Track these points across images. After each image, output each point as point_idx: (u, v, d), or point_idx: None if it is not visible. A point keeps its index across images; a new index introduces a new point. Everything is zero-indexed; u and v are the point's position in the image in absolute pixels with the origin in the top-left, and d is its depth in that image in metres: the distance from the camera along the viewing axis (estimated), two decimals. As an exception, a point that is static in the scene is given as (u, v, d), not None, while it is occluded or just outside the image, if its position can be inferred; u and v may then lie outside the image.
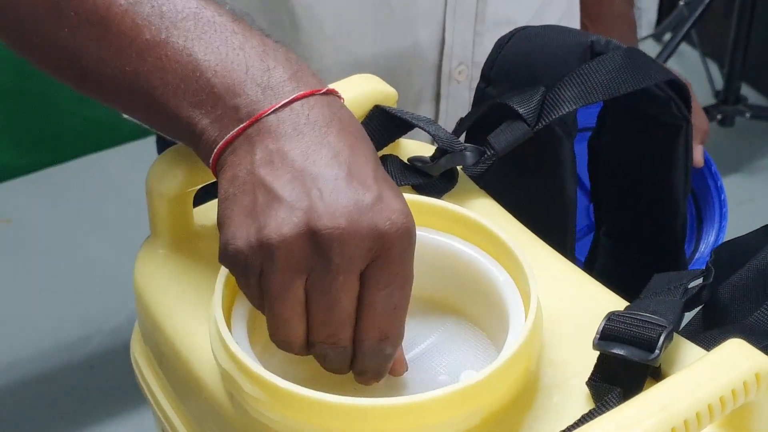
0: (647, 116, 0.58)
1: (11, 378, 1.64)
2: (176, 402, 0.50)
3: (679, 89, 0.56)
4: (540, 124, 0.53)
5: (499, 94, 0.57)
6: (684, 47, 2.02)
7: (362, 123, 0.54)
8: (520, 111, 0.53)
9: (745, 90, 1.97)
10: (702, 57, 1.96)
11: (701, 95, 1.97)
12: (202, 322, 0.47)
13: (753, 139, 2.01)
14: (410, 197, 0.50)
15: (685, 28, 1.85)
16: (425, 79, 0.76)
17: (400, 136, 0.55)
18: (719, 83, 1.95)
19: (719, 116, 1.92)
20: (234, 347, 0.43)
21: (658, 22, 2.26)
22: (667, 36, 2.00)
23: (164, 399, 0.50)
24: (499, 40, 0.58)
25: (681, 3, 1.91)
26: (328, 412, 0.41)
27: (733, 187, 1.93)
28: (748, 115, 1.92)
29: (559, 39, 0.57)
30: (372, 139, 0.54)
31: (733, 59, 1.88)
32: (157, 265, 0.51)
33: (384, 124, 0.54)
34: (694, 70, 1.96)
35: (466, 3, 0.74)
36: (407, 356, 0.48)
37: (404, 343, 0.48)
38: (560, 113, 0.53)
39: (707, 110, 1.93)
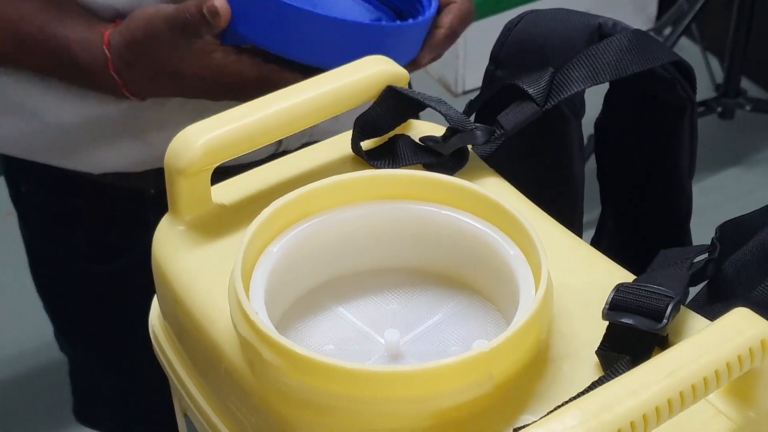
0: (653, 97, 0.59)
1: (14, 370, 1.66)
2: (196, 375, 0.51)
3: (685, 70, 0.58)
4: (549, 104, 0.55)
5: (508, 76, 0.58)
6: (684, 41, 2.03)
7: (374, 103, 0.56)
8: (530, 91, 0.54)
9: (745, 83, 1.98)
10: (702, 51, 1.97)
11: (702, 89, 1.99)
12: (221, 294, 0.48)
13: (753, 131, 2.03)
14: (422, 173, 0.51)
15: (686, 22, 1.87)
16: None
17: (411, 116, 0.56)
18: (719, 77, 1.96)
19: (719, 109, 1.94)
20: (254, 315, 0.44)
21: (659, 16, 2.28)
22: (668, 30, 2.01)
23: (184, 373, 0.52)
24: (507, 23, 0.60)
25: (681, -3, 1.93)
26: (344, 378, 0.42)
27: (733, 179, 1.95)
28: (748, 108, 1.93)
29: (567, 21, 0.58)
30: (384, 119, 0.55)
31: (733, 53, 1.89)
32: (176, 241, 0.52)
33: (396, 104, 0.55)
34: (695, 64, 1.96)
35: None
36: (419, 330, 0.49)
37: (416, 317, 0.50)
38: (568, 93, 0.54)
39: (707, 103, 1.95)
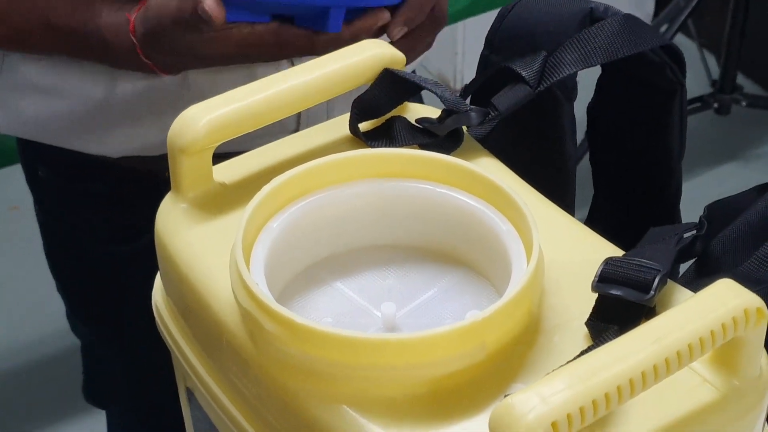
0: (643, 81, 0.61)
1: (19, 361, 1.67)
2: (198, 349, 0.52)
3: (674, 54, 0.59)
4: (541, 86, 0.56)
5: (502, 61, 0.60)
6: (680, 38, 2.05)
7: (371, 85, 0.57)
8: (523, 74, 0.56)
9: (741, 79, 2.00)
10: (698, 47, 1.98)
11: (698, 85, 2.01)
12: (223, 269, 0.49)
13: (748, 127, 2.05)
14: (417, 152, 0.53)
15: (682, 18, 1.88)
16: None
17: (407, 99, 0.58)
18: (715, 73, 1.98)
19: (716, 105, 1.95)
20: (254, 286, 0.45)
21: (656, 13, 2.29)
22: (664, 27, 2.03)
23: (187, 347, 0.53)
24: (501, 9, 0.61)
25: (678, -6, 1.94)
26: (342, 346, 0.44)
27: (729, 174, 1.96)
28: (744, 103, 1.95)
29: (560, 6, 0.60)
30: (381, 101, 0.57)
31: (729, 49, 1.91)
32: (179, 218, 0.53)
33: (392, 87, 0.56)
34: (691, 61, 1.98)
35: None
36: (414, 303, 0.51)
37: (412, 292, 0.51)
38: (561, 76, 0.56)
39: (704, 99, 1.97)
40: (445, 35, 0.84)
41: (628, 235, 0.61)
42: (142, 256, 0.87)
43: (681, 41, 2.08)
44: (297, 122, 0.82)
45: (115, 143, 0.82)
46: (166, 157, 0.81)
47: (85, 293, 0.95)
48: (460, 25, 2.07)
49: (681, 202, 0.65)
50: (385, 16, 0.72)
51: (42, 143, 0.85)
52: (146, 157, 0.83)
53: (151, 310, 0.90)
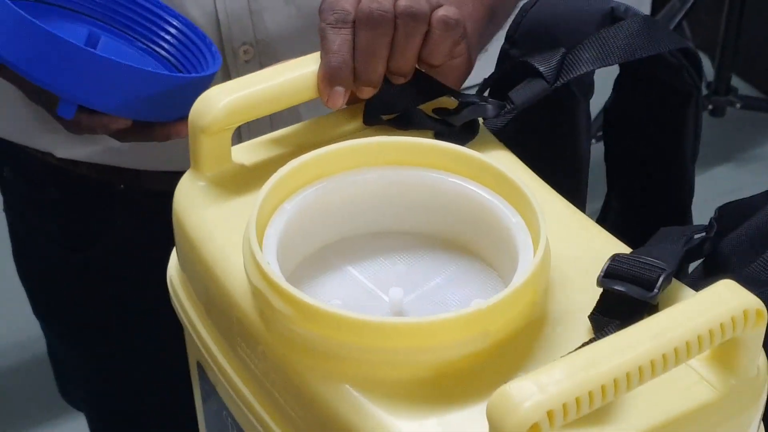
0: (660, 83, 0.61)
1: (14, 360, 1.67)
2: (210, 324, 0.54)
3: (692, 58, 0.60)
4: (558, 82, 0.57)
5: (521, 55, 0.60)
6: None
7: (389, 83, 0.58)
8: (540, 69, 0.57)
9: (736, 81, 1.99)
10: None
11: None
12: (236, 247, 0.50)
13: (743, 129, 2.03)
14: (431, 141, 0.54)
15: (677, 20, 1.87)
16: None
17: (426, 100, 0.58)
18: (710, 74, 1.97)
19: (710, 106, 1.95)
20: (265, 266, 0.47)
21: (652, 14, 2.28)
22: None
23: (199, 322, 0.54)
24: (524, 4, 0.62)
25: (674, -5, 1.93)
26: (350, 327, 0.45)
27: (723, 176, 1.95)
28: (738, 105, 1.94)
29: (581, 5, 0.60)
30: (400, 99, 0.57)
31: (724, 51, 1.90)
32: (196, 196, 0.54)
33: (412, 84, 0.57)
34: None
35: None
36: (422, 290, 0.52)
37: (420, 278, 0.52)
38: (578, 73, 0.57)
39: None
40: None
41: (639, 234, 0.62)
42: (96, 265, 0.88)
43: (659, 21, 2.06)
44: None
45: (73, 147, 0.81)
46: (124, 170, 0.80)
47: (45, 294, 0.95)
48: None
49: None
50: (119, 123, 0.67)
51: (8, 142, 0.84)
52: (104, 166, 0.82)
53: (112, 316, 0.91)
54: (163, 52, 0.73)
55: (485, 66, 0.65)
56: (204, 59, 0.72)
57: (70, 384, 1.02)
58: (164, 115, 0.66)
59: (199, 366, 0.57)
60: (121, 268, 0.86)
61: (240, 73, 0.76)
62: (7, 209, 0.94)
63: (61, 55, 0.63)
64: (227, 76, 0.77)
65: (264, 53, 0.76)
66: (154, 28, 0.73)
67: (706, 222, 0.69)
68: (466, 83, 0.61)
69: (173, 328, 0.58)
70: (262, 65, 0.76)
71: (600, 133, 0.68)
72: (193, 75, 0.70)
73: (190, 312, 0.55)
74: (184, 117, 0.56)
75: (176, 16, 0.73)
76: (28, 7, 0.70)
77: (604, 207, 0.68)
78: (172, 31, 0.73)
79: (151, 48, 0.74)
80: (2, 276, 1.15)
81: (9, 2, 0.63)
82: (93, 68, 0.63)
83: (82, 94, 0.64)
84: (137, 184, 0.68)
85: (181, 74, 0.71)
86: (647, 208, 0.66)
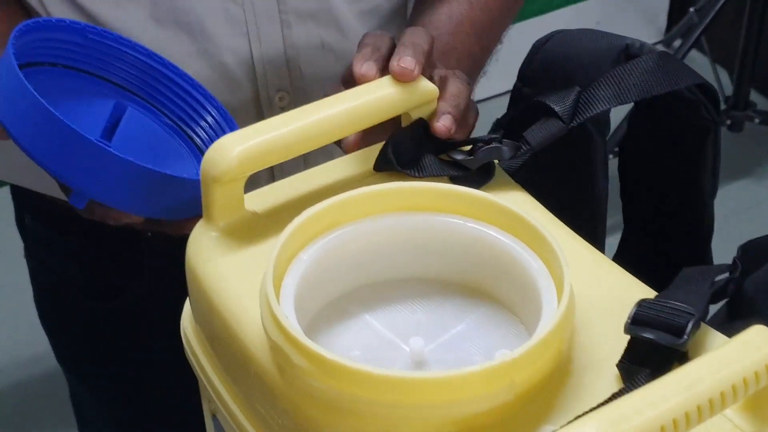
0: (677, 118, 0.60)
1: (20, 375, 1.66)
2: (226, 378, 0.52)
3: (709, 93, 0.59)
4: (574, 122, 0.56)
5: (535, 94, 0.59)
6: (694, 53, 2.04)
7: (405, 129, 0.57)
8: (556, 108, 0.56)
9: (754, 96, 1.99)
10: (711, 63, 1.97)
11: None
12: (252, 299, 0.49)
13: (762, 144, 2.03)
14: (448, 186, 0.53)
15: (696, 35, 1.87)
16: (245, 110, 0.75)
17: (438, 151, 0.57)
18: (728, 89, 1.97)
19: (728, 122, 1.94)
20: (284, 320, 0.45)
21: (668, 28, 2.29)
22: (677, 42, 2.01)
23: (214, 375, 0.53)
24: (536, 42, 0.61)
25: (691, 10, 1.93)
26: (371, 382, 0.44)
27: (741, 191, 1.94)
28: (757, 120, 1.94)
29: (595, 42, 0.59)
30: (410, 145, 0.56)
31: (742, 66, 1.90)
32: (210, 246, 0.53)
33: (425, 137, 0.56)
34: (704, 77, 1.97)
35: (267, 27, 0.72)
36: (443, 338, 0.51)
37: (440, 326, 0.51)
38: (594, 112, 0.56)
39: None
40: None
41: (657, 271, 0.61)
42: (121, 314, 0.86)
43: (694, 56, 2.06)
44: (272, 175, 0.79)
45: None
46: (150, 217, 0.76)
47: (67, 342, 0.94)
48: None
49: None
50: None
51: (29, 190, 0.84)
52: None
53: (135, 366, 0.90)
54: (189, 132, 0.70)
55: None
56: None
57: (90, 426, 1.01)
58: (179, 214, 0.63)
59: (215, 420, 0.55)
60: (148, 317, 0.85)
61: None
62: (28, 257, 0.93)
63: (77, 151, 0.59)
64: None
65: (300, 100, 0.75)
66: (187, 109, 0.70)
67: (724, 244, 0.69)
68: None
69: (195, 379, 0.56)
70: None
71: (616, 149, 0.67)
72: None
73: (205, 364, 0.54)
74: (199, 215, 0.54)
75: (210, 99, 0.69)
76: (58, 73, 0.67)
77: (621, 243, 0.67)
78: (206, 116, 0.69)
79: (178, 126, 0.70)
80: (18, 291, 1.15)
81: (28, 87, 0.59)
82: (108, 167, 0.59)
83: (95, 191, 0.61)
84: (163, 232, 0.66)
85: (197, 179, 0.62)
86: (665, 245, 0.65)
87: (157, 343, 0.83)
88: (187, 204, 0.61)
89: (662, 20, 2.32)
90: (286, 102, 0.75)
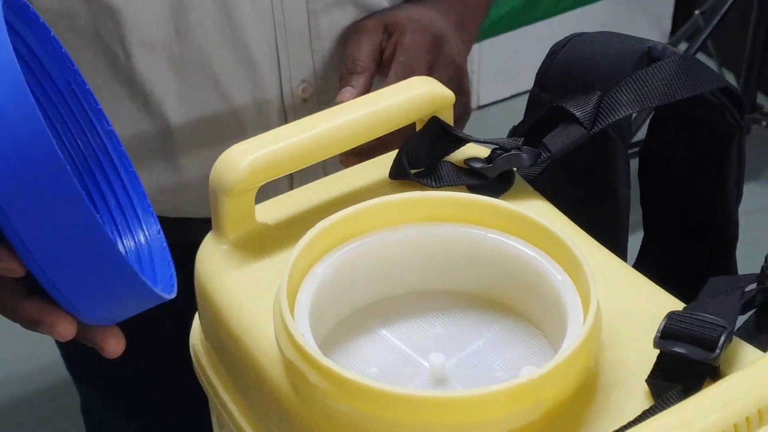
0: (700, 123, 0.58)
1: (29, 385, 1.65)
2: (237, 395, 0.51)
3: (734, 97, 0.57)
4: (596, 128, 0.54)
5: (553, 99, 0.58)
6: (699, 56, 2.02)
7: (419, 133, 0.55)
8: (577, 114, 0.54)
9: (761, 99, 1.97)
10: (718, 66, 1.95)
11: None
12: (265, 314, 0.47)
13: None
14: (468, 196, 0.51)
15: (702, 38, 1.85)
16: (268, 101, 0.74)
17: (453, 150, 0.56)
18: None
19: None
20: (299, 338, 0.43)
21: (673, 31, 2.27)
22: (682, 45, 2.00)
23: (225, 393, 0.51)
24: (553, 45, 0.59)
25: (696, 12, 1.91)
26: (391, 402, 0.42)
27: (748, 195, 1.92)
28: (764, 123, 1.92)
29: (615, 45, 0.57)
30: (427, 150, 0.55)
31: (749, 68, 1.88)
32: (220, 260, 0.51)
33: (440, 137, 0.55)
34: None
35: (294, 16, 0.72)
36: (463, 353, 0.49)
37: (460, 341, 0.49)
38: (616, 117, 0.54)
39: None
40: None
41: (679, 279, 0.59)
42: (134, 325, 0.84)
43: (700, 59, 2.05)
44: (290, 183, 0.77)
45: None
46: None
47: (78, 355, 0.90)
48: (476, 44, 2.06)
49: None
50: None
51: None
52: None
53: (145, 375, 0.88)
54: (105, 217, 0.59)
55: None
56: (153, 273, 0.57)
57: None
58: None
59: (226, 439, 0.54)
60: (160, 329, 0.83)
61: (297, 111, 0.75)
62: None
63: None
64: (283, 116, 0.75)
65: (321, 90, 0.75)
66: (122, 220, 0.58)
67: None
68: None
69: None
70: (319, 104, 0.75)
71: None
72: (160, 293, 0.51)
73: (216, 384, 0.52)
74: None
75: (154, 224, 0.58)
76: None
77: (642, 251, 0.65)
78: (139, 234, 0.58)
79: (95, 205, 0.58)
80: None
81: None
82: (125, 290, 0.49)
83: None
84: (168, 235, 0.63)
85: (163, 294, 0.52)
86: (688, 252, 0.63)
87: (171, 350, 0.82)
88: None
89: (667, 23, 2.30)
90: (308, 94, 0.75)
